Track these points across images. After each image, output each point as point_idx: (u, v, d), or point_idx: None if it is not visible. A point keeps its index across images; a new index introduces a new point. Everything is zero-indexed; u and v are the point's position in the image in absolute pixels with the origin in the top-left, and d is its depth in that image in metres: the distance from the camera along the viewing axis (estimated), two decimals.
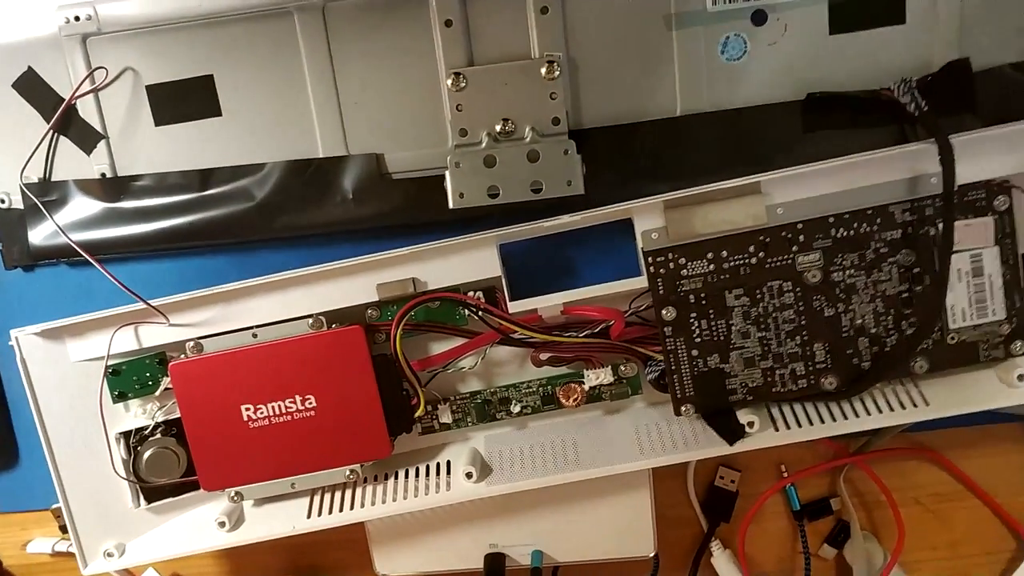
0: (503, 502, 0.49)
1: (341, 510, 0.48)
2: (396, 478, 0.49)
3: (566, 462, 0.47)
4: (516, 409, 0.49)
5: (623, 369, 0.47)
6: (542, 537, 0.51)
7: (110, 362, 0.46)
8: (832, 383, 0.45)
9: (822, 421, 0.45)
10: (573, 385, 0.48)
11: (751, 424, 0.45)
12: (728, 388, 0.46)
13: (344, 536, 0.50)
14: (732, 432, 0.45)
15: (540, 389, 0.49)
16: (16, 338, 0.45)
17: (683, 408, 0.46)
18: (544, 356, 0.47)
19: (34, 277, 0.51)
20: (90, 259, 0.45)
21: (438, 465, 0.49)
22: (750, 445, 0.45)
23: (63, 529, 0.54)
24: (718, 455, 0.45)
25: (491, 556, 0.51)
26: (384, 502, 0.47)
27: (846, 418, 0.45)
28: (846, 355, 0.45)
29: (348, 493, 0.48)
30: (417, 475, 0.49)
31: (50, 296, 0.51)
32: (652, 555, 0.50)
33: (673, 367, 0.46)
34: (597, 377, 0.47)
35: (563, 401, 0.48)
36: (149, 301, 0.44)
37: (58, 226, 0.46)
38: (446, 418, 0.49)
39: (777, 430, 0.45)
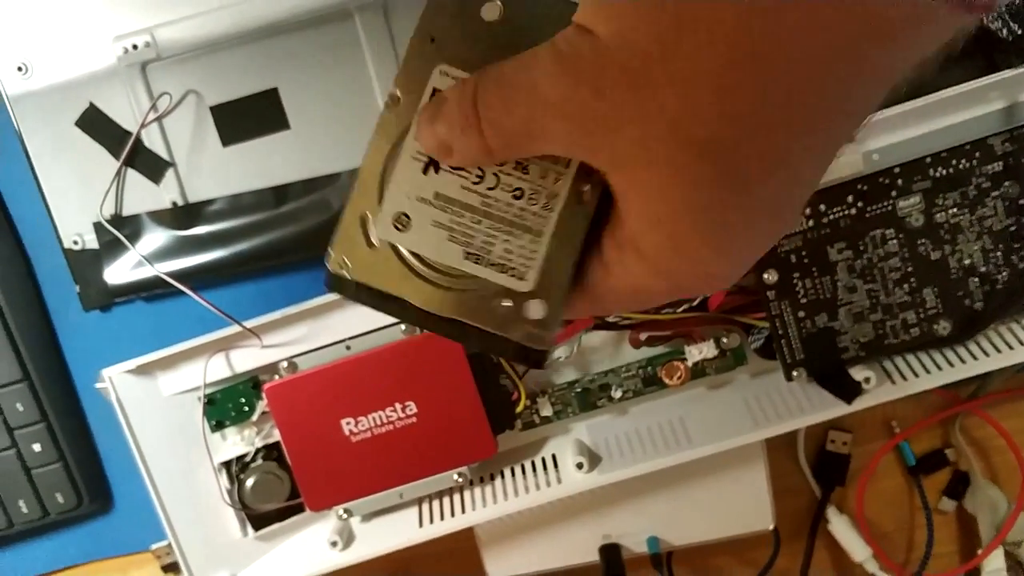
0: (612, 491, 0.48)
1: (453, 515, 0.46)
2: (503, 477, 0.48)
3: (678, 442, 0.45)
4: (617, 394, 0.48)
5: (725, 341, 0.46)
6: (656, 522, 0.49)
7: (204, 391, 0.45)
8: (946, 328, 0.44)
9: (939, 368, 0.44)
10: (676, 363, 0.47)
11: (867, 380, 0.44)
12: (839, 346, 0.44)
13: (447, 547, 0.48)
14: (848, 391, 0.44)
15: (640, 371, 0.47)
16: (109, 378, 0.44)
17: (794, 373, 0.45)
18: (643, 336, 0.46)
19: (111, 316, 0.50)
20: (182, 287, 0.44)
21: (543, 460, 0.48)
22: (868, 402, 0.44)
23: (165, 569, 0.53)
24: (835, 416, 0.44)
25: (606, 547, 0.49)
26: (496, 502, 0.46)
27: (963, 362, 0.44)
28: (957, 298, 0.44)
29: (457, 498, 0.47)
30: (524, 472, 0.47)
31: (130, 333, 0.50)
32: (771, 528, 0.49)
33: (780, 332, 0.44)
34: (700, 352, 0.46)
35: (666, 380, 0.47)
36: (243, 323, 0.43)
37: (144, 258, 0.45)
38: (547, 411, 0.48)
39: (894, 383, 0.44)
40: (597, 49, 0.19)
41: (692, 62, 0.18)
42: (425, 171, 0.25)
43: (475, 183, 0.25)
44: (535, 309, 0.25)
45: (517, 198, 0.25)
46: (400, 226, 0.25)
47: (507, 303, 0.25)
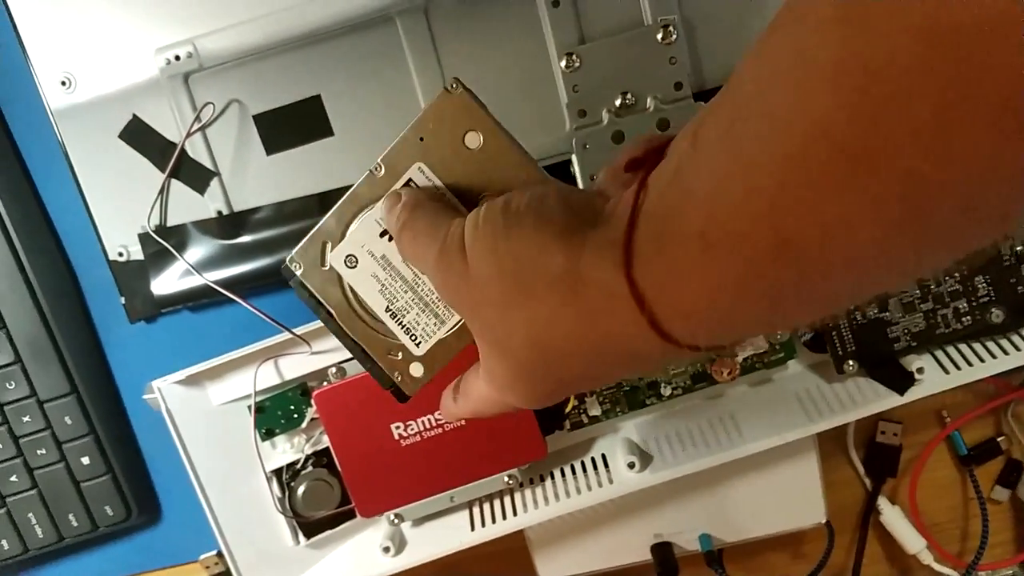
0: (662, 489, 0.47)
1: (504, 518, 0.46)
2: (553, 479, 0.47)
3: (730, 439, 0.45)
4: (666, 392, 0.47)
5: (776, 335, 0.46)
6: (707, 519, 0.49)
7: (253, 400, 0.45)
8: (999, 316, 0.44)
9: (992, 357, 0.44)
10: (726, 359, 0.46)
11: (920, 370, 0.43)
12: (891, 337, 0.44)
13: (498, 548, 0.48)
14: (901, 382, 0.44)
15: (689, 368, 0.47)
16: (158, 388, 0.44)
17: (846, 365, 0.44)
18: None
19: (157, 327, 0.50)
20: (232, 296, 0.44)
21: (593, 460, 0.47)
22: (921, 392, 0.44)
23: None
24: (888, 408, 0.44)
25: (658, 546, 0.49)
26: (547, 504, 0.46)
27: (1018, 350, 0.44)
28: (1009, 284, 0.44)
29: (508, 500, 0.47)
30: (574, 473, 0.47)
31: (175, 344, 0.50)
32: (824, 522, 0.48)
33: (830, 324, 0.44)
34: (750, 347, 0.46)
35: (716, 376, 0.47)
36: (293, 329, 0.43)
37: (192, 266, 0.46)
38: (595, 410, 0.48)
39: (947, 373, 0.44)
40: (464, 275, 0.27)
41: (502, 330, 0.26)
42: (381, 235, 0.31)
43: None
44: (416, 369, 0.32)
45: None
46: (349, 264, 0.32)
47: (399, 355, 0.32)
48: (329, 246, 0.32)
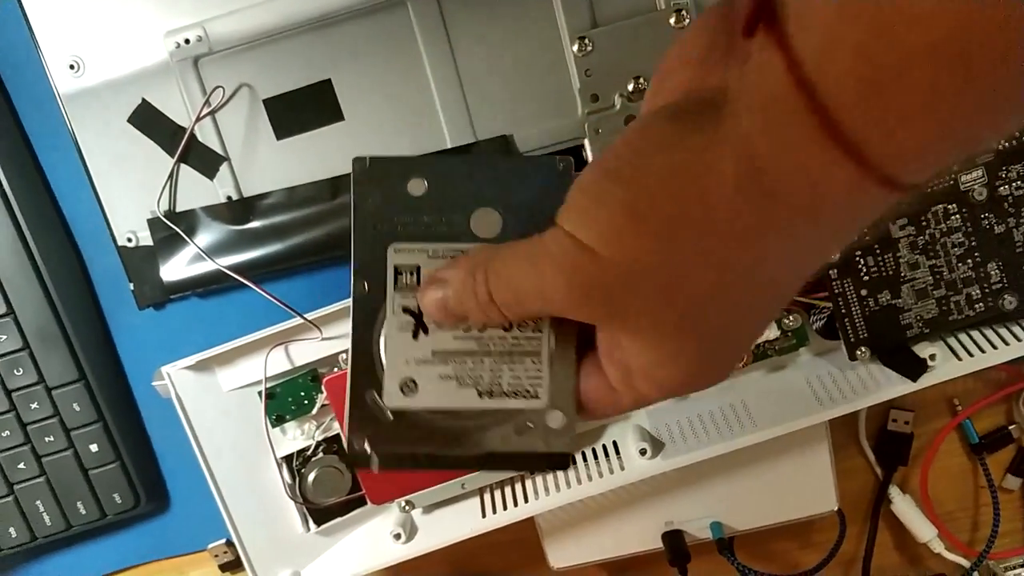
0: (673, 476, 0.47)
1: (516, 505, 0.46)
2: None
3: (741, 425, 0.45)
4: None
5: (787, 322, 0.46)
6: (718, 507, 0.49)
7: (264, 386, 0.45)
8: (1012, 302, 0.44)
9: (1006, 343, 0.43)
10: None
11: (932, 357, 0.43)
12: (903, 323, 0.44)
13: (509, 536, 0.48)
14: (913, 368, 0.43)
15: None
16: (168, 374, 0.44)
17: (858, 352, 0.44)
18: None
19: (165, 313, 0.50)
20: (243, 280, 0.44)
21: (604, 447, 0.47)
22: (933, 379, 0.43)
23: (223, 568, 0.53)
24: (900, 395, 0.43)
25: (669, 534, 0.49)
26: (558, 491, 0.46)
27: None
28: (1023, 271, 0.43)
29: (519, 487, 0.47)
30: (585, 460, 0.47)
31: (184, 330, 0.50)
32: (835, 510, 0.48)
33: (843, 310, 0.44)
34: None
35: None
36: (304, 315, 0.42)
37: (202, 251, 0.45)
38: None
39: (960, 360, 0.44)
40: (603, 269, 0.23)
41: (679, 277, 0.23)
42: (415, 336, 0.27)
43: (466, 330, 0.28)
44: (555, 419, 0.28)
45: (507, 330, 0.28)
46: (407, 391, 0.28)
47: (529, 423, 0.28)
48: (375, 396, 0.28)
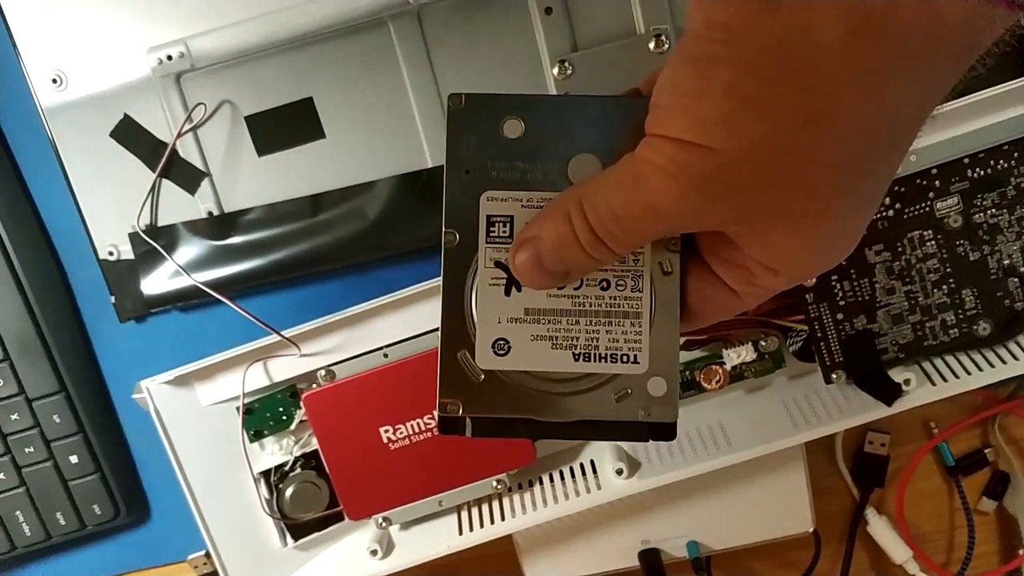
0: (651, 495, 0.47)
1: (492, 522, 0.46)
2: (542, 484, 0.47)
3: (717, 446, 0.45)
4: None
5: (764, 344, 0.46)
6: (695, 526, 0.49)
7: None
8: (986, 328, 0.44)
9: (979, 369, 0.44)
10: (714, 367, 0.46)
11: (907, 382, 0.43)
12: (879, 348, 0.44)
13: (486, 553, 0.48)
14: (888, 393, 0.44)
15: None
16: (147, 388, 0.44)
17: (834, 375, 0.44)
18: (681, 340, 0.46)
19: (146, 327, 0.50)
20: (220, 297, 0.44)
21: (582, 466, 0.48)
22: (908, 404, 0.44)
23: None
24: (875, 418, 0.44)
25: (645, 552, 0.49)
26: (535, 509, 0.46)
27: (1004, 363, 0.43)
28: (997, 298, 0.44)
29: (496, 505, 0.47)
30: (563, 478, 0.47)
31: (165, 344, 0.50)
32: (811, 531, 0.48)
33: (819, 334, 0.44)
34: (739, 355, 0.46)
35: (704, 384, 0.47)
36: (282, 332, 0.43)
37: (181, 267, 0.45)
38: None
39: (934, 384, 0.44)
40: (720, 164, 0.21)
41: (811, 159, 0.21)
42: (508, 292, 0.26)
43: (560, 288, 0.26)
44: (656, 386, 0.26)
45: (605, 289, 0.26)
46: (500, 351, 0.26)
47: (628, 389, 0.26)
48: (467, 355, 0.26)
